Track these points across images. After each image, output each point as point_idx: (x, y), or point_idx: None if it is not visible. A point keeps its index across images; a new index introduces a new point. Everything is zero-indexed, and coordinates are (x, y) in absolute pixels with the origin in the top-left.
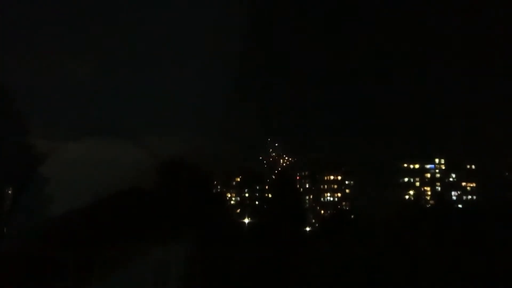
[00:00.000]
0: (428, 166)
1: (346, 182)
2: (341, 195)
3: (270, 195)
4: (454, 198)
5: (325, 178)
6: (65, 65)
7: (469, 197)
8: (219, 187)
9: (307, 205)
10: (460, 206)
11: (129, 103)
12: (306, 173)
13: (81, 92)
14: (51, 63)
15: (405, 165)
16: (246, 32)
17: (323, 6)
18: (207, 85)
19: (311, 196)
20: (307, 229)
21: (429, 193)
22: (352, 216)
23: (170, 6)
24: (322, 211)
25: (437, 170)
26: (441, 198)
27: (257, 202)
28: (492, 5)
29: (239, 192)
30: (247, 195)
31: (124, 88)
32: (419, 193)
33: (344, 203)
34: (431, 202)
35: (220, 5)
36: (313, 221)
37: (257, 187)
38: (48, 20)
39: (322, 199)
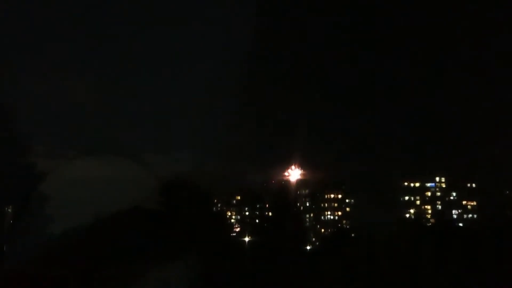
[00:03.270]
0: (428, 185)
1: (347, 201)
2: (342, 214)
3: (270, 214)
4: (455, 216)
5: (326, 196)
6: (64, 84)
7: (470, 215)
8: (219, 205)
9: (308, 223)
10: (460, 224)
11: (130, 121)
12: (307, 191)
13: (81, 110)
14: (50, 82)
15: (406, 183)
16: (250, 50)
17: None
18: (208, 104)
19: (312, 215)
20: (308, 247)
21: (429, 211)
22: (353, 235)
23: (172, 28)
24: (323, 230)
25: (437, 189)
26: (442, 216)
27: (257, 221)
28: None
29: (239, 210)
30: (247, 213)
31: (124, 106)
32: (420, 212)
33: (344, 221)
34: (432, 220)
35: (225, 29)
36: (314, 239)
37: (258, 206)
38: (47, 39)
39: (322, 217)
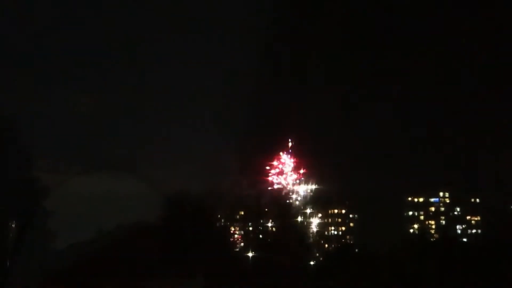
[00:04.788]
0: (432, 200)
1: (351, 216)
2: (345, 229)
3: (274, 229)
4: (459, 232)
5: (330, 211)
6: (69, 99)
7: (474, 231)
8: (222, 220)
9: (311, 239)
10: (465, 240)
11: (133, 137)
12: (311, 206)
13: (85, 126)
14: (55, 97)
15: (410, 198)
16: (257, 70)
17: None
18: (212, 120)
19: (315, 230)
20: (312, 263)
21: (433, 227)
22: (356, 250)
23: (176, 43)
24: (326, 245)
25: (441, 204)
26: (446, 232)
27: (261, 236)
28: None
29: (242, 226)
30: (251, 228)
31: (128, 122)
32: (424, 227)
33: (348, 237)
34: (436, 236)
35: (232, 45)
36: (317, 254)
37: (261, 221)
38: (52, 54)
39: (326, 233)
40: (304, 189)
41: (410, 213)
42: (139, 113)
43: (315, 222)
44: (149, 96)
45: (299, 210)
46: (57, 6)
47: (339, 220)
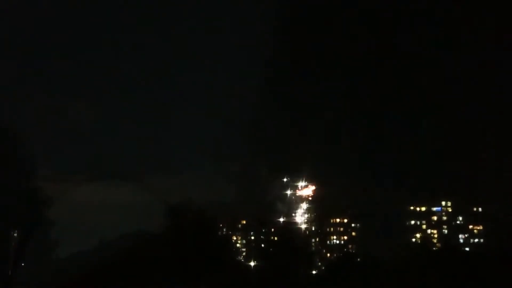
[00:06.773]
0: (434, 209)
1: (353, 225)
2: (348, 238)
3: (276, 238)
4: (461, 241)
5: (332, 221)
6: (71, 109)
7: (476, 240)
8: (225, 229)
9: (313, 248)
10: (467, 249)
11: (136, 146)
12: (313, 215)
13: (87, 135)
14: (57, 107)
15: (412, 208)
16: (261, 76)
17: None
18: (214, 128)
19: (317, 239)
20: (314, 272)
21: (436, 236)
22: (359, 259)
23: (177, 49)
24: (329, 254)
25: (443, 213)
26: (448, 241)
27: (263, 245)
28: None
29: (245, 235)
30: (253, 237)
31: (130, 131)
32: (426, 236)
33: (350, 246)
34: (438, 245)
35: (231, 50)
36: (319, 264)
37: (263, 230)
38: (54, 64)
39: (328, 242)
40: (307, 197)
41: (412, 222)
42: (141, 123)
43: (317, 231)
44: (152, 104)
45: (302, 219)
46: (59, 12)
47: (341, 229)
